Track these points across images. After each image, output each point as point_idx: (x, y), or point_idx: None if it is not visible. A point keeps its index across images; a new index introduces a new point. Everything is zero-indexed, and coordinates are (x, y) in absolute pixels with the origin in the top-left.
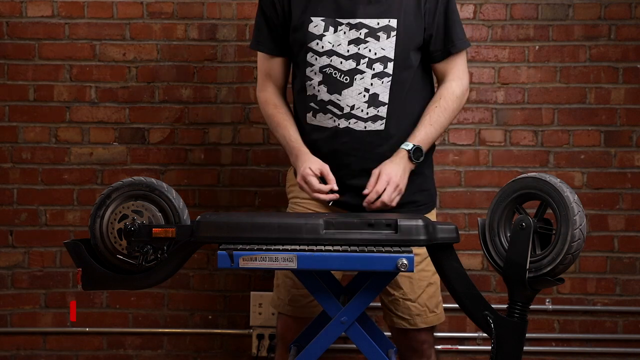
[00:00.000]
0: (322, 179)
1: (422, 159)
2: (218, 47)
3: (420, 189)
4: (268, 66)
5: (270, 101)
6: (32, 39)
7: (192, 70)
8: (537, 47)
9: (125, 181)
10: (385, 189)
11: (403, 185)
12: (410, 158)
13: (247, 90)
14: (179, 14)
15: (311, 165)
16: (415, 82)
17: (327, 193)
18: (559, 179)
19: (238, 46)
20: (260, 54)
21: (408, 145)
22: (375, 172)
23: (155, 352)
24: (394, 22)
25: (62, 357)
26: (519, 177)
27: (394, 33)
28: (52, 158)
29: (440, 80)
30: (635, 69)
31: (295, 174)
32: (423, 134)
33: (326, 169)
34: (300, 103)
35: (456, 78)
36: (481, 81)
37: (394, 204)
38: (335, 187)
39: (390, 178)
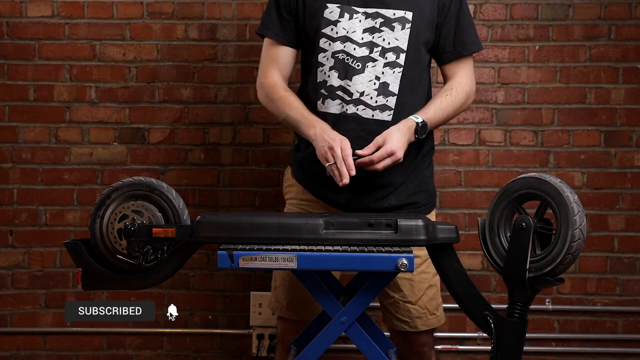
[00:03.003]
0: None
1: (423, 137)
2: (218, 47)
3: (420, 190)
4: (275, 53)
5: (279, 85)
6: (32, 39)
7: (192, 70)
8: (537, 47)
9: (125, 181)
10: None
11: (401, 156)
12: (416, 131)
13: (247, 90)
14: (179, 14)
15: (342, 141)
16: (422, 79)
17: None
18: (559, 179)
19: (238, 46)
20: (266, 42)
21: (418, 119)
22: (378, 140)
23: (155, 352)
24: (409, 15)
25: (62, 357)
26: (519, 177)
27: (408, 25)
28: (52, 158)
29: (448, 79)
30: (635, 69)
31: (294, 174)
32: (432, 114)
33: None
34: (309, 92)
35: (466, 77)
36: (481, 81)
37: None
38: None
39: (392, 151)
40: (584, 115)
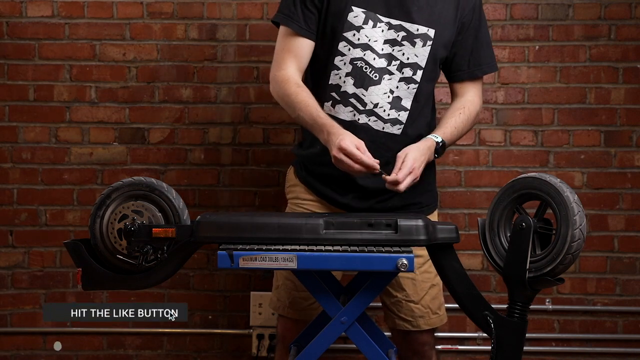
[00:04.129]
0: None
1: (439, 156)
2: (218, 47)
3: (424, 191)
4: (294, 45)
5: (292, 79)
6: (32, 39)
7: (192, 70)
8: (537, 47)
9: (125, 181)
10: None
11: (419, 175)
12: (435, 150)
13: (247, 90)
14: (179, 14)
15: (348, 138)
16: (431, 94)
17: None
18: (559, 179)
19: (238, 46)
20: (283, 32)
21: (437, 138)
22: (400, 155)
23: (155, 352)
24: (431, 32)
25: (62, 357)
26: (519, 177)
27: (429, 42)
28: (52, 158)
29: (459, 97)
30: (635, 69)
31: (297, 173)
32: (449, 134)
33: (362, 145)
34: (317, 91)
35: (477, 96)
36: None
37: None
38: (377, 164)
39: (413, 168)
40: (584, 115)
